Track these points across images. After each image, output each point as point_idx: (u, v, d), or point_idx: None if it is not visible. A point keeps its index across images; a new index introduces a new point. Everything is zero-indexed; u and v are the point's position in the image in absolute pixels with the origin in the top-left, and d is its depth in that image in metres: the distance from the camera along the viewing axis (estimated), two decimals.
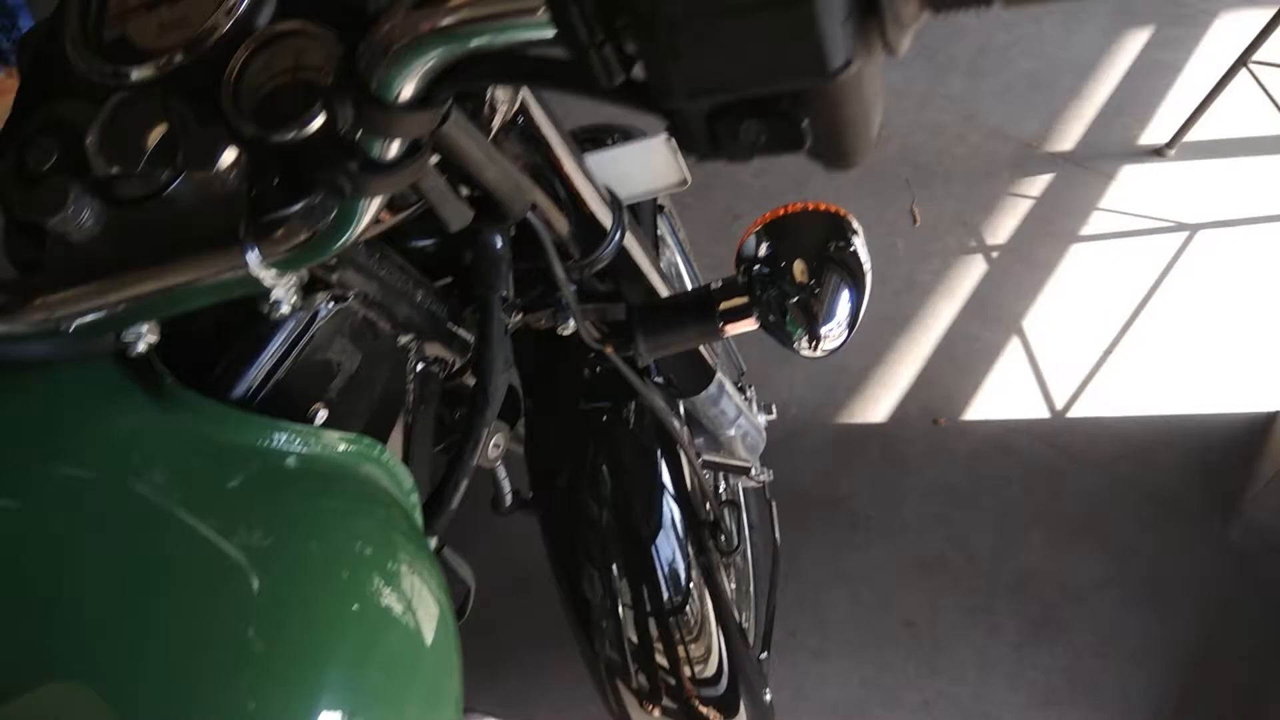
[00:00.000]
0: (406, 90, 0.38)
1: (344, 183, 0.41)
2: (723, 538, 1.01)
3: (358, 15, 0.46)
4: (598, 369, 0.98)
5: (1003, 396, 1.76)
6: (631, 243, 0.75)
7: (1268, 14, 1.77)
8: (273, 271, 0.45)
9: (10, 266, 0.49)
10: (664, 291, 0.82)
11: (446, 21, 0.35)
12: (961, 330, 1.84)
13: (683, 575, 0.99)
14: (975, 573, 1.59)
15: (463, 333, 0.72)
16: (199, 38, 0.49)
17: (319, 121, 0.45)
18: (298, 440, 0.53)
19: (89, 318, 0.47)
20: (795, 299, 0.73)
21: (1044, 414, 1.73)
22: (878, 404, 1.78)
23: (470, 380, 0.74)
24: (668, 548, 0.98)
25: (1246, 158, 2.01)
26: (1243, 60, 1.88)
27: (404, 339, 0.66)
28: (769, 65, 0.28)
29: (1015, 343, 1.82)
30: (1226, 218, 1.91)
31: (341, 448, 0.55)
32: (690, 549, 0.99)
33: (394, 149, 0.41)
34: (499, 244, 0.66)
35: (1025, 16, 2.38)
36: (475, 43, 0.35)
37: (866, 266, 0.74)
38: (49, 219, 0.44)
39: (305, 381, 0.57)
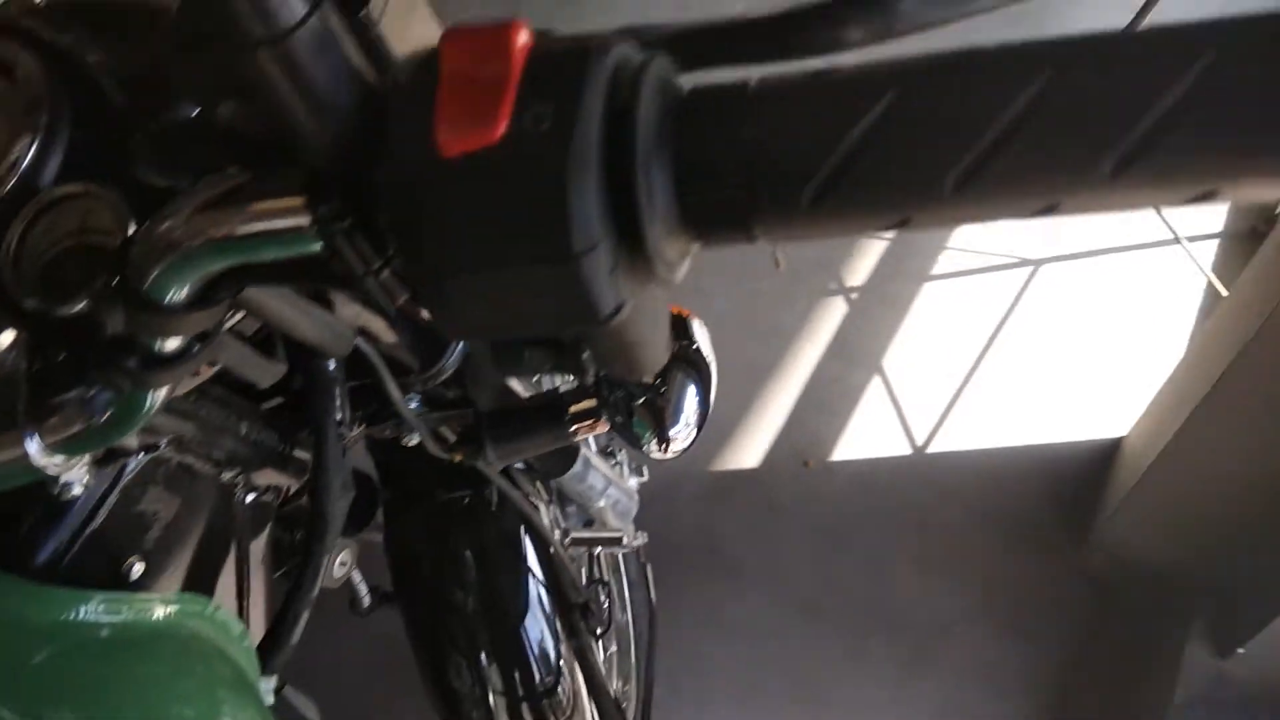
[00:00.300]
0: (181, 294, 0.36)
1: (122, 381, 0.38)
2: (593, 619, 1.00)
3: (133, 157, 0.44)
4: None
5: (867, 435, 1.81)
6: (480, 352, 0.74)
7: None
8: (58, 458, 0.42)
9: None
10: (518, 393, 0.81)
11: (220, 234, 0.33)
12: (825, 371, 1.89)
13: (553, 657, 0.97)
14: (850, 613, 1.62)
15: (299, 453, 0.69)
16: None
17: (109, 287, 0.42)
18: (108, 609, 0.50)
19: None
20: (642, 400, 0.73)
21: (907, 450, 1.79)
22: (749, 450, 1.80)
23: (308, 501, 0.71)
24: (536, 631, 0.97)
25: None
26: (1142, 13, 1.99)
27: (228, 475, 0.63)
28: (539, 315, 0.28)
29: (876, 381, 1.87)
30: (1066, 252, 2.02)
31: (159, 611, 0.52)
32: (560, 631, 0.98)
33: (175, 343, 0.39)
34: (330, 367, 0.64)
35: None
36: (253, 256, 0.34)
37: (711, 364, 0.74)
38: None
39: (117, 538, 0.54)
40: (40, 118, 0.42)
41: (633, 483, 1.33)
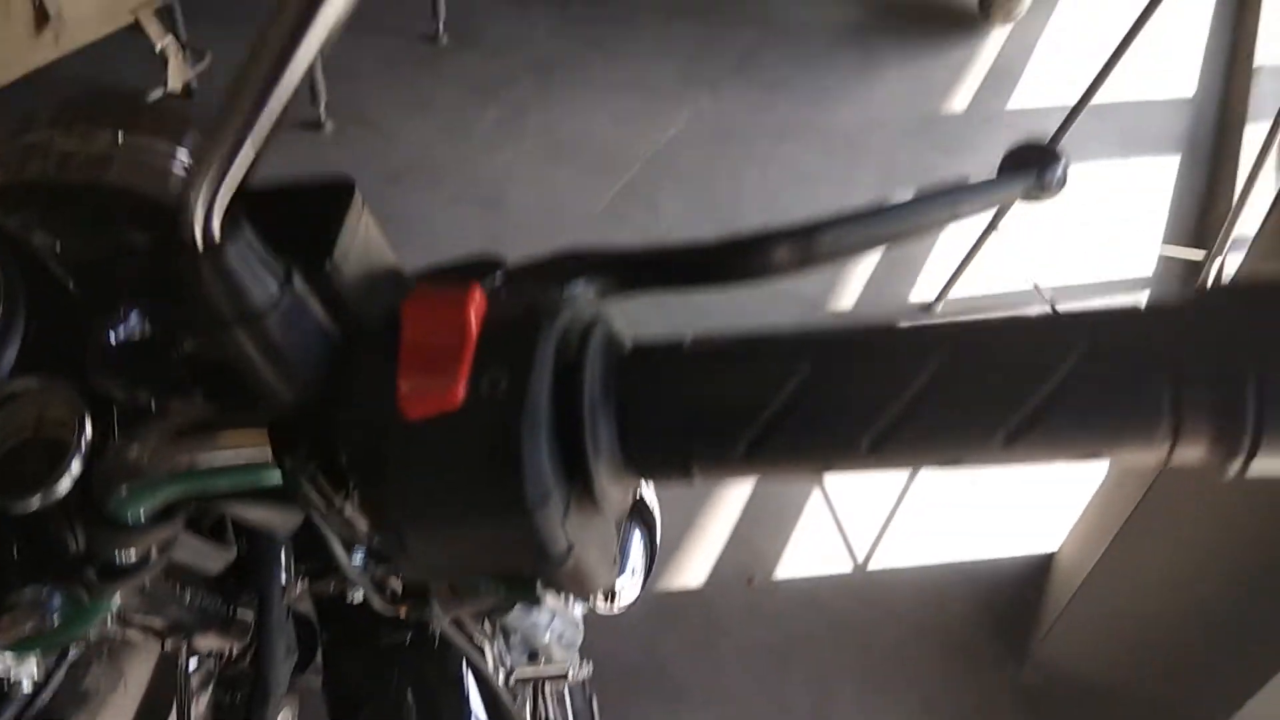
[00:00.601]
0: (143, 513, 0.37)
1: (80, 591, 0.39)
2: None
3: (95, 368, 0.45)
4: None
5: (809, 552, 1.83)
6: None
7: None
8: (7, 655, 0.42)
9: None
10: None
11: (185, 465, 0.35)
12: (767, 487, 1.92)
13: None
14: None
15: (242, 614, 0.69)
16: None
17: (66, 485, 0.43)
18: None
19: None
20: None
21: (848, 568, 1.81)
22: (693, 568, 1.81)
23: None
24: None
25: (1003, 311, 2.22)
26: (993, 225, 2.09)
27: (171, 643, 0.63)
28: (496, 560, 0.30)
29: (818, 497, 1.90)
30: None
31: None
32: None
33: (133, 553, 0.40)
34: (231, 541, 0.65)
35: (797, 178, 2.58)
36: (216, 486, 0.35)
37: (656, 512, 0.76)
38: None
39: (56, 714, 0.53)
40: None
41: (578, 611, 1.33)
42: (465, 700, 0.98)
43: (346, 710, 0.96)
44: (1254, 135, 2.48)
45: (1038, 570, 1.76)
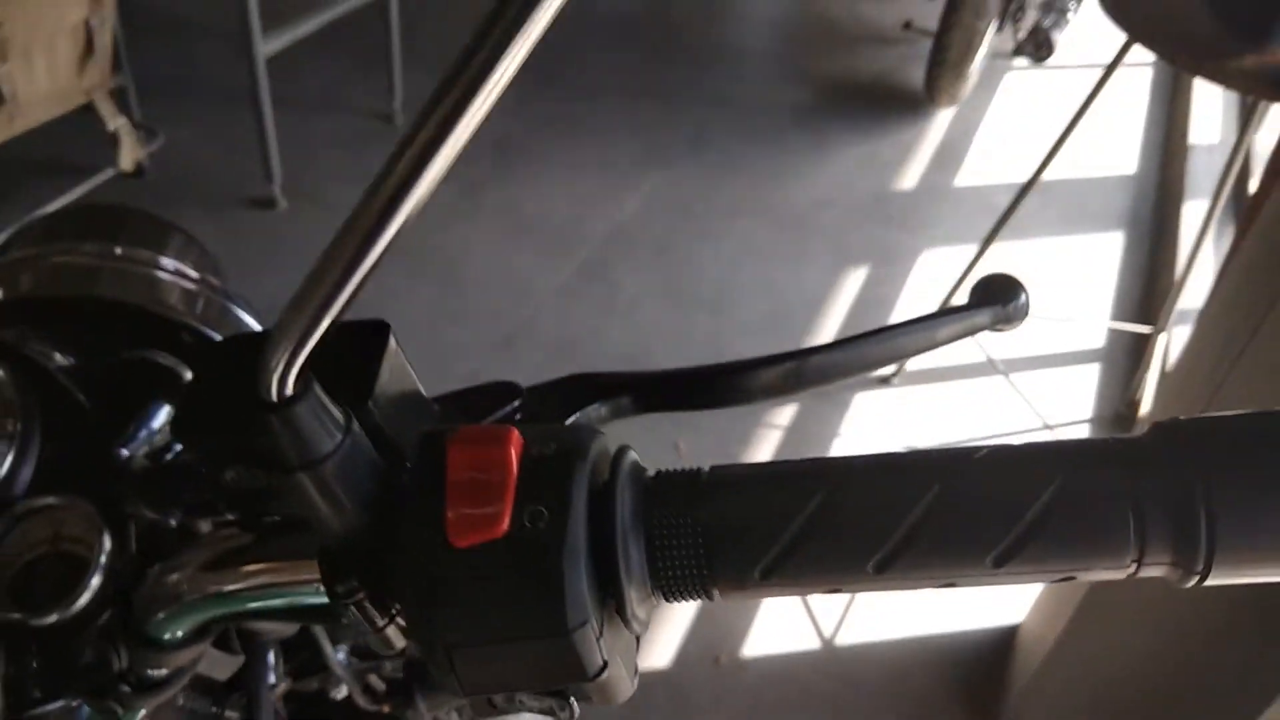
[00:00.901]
0: (179, 632, 0.39)
1: (113, 706, 0.41)
2: None
3: (119, 488, 0.47)
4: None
5: (776, 629, 1.82)
6: None
7: (965, 250, 2.05)
8: None
9: None
10: None
11: (230, 590, 0.37)
12: None
13: None
14: None
15: (230, 714, 0.67)
16: None
17: (85, 599, 0.43)
18: None
19: None
20: None
21: (815, 643, 1.80)
22: (660, 649, 1.78)
23: None
24: None
25: (958, 381, 2.27)
26: (950, 299, 2.14)
27: None
28: (536, 676, 0.32)
29: None
30: (947, 439, 2.13)
31: None
32: None
33: (165, 670, 0.41)
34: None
35: (752, 253, 2.63)
36: (257, 608, 0.38)
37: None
38: None
39: None
40: (11, 426, 0.44)
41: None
42: None
43: None
44: (1191, 210, 2.58)
45: (1003, 642, 1.76)
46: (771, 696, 1.72)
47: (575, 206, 2.77)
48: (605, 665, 0.32)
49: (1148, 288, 2.58)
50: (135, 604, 0.40)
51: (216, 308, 0.66)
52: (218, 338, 0.64)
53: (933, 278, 2.54)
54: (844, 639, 1.80)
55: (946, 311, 0.47)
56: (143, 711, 0.44)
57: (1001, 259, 2.28)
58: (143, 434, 0.50)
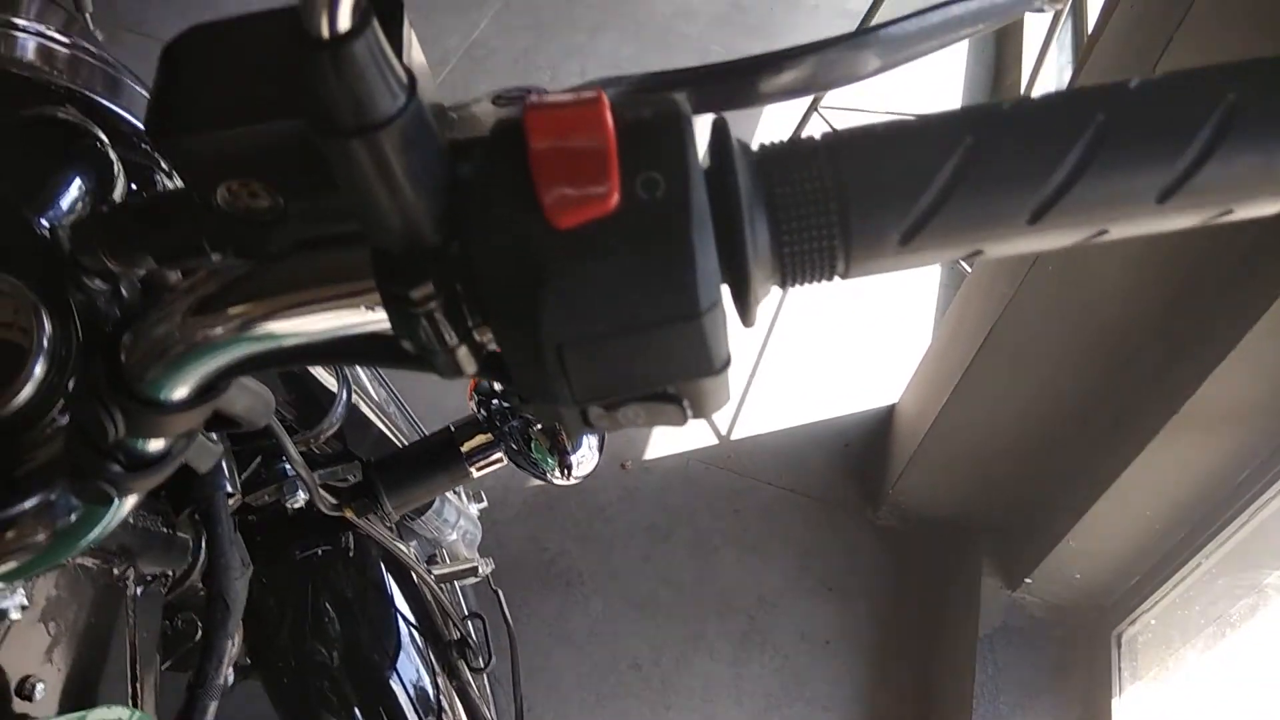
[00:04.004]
0: (182, 390, 0.34)
1: (107, 489, 0.35)
2: (472, 655, 0.99)
3: (51, 260, 0.40)
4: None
5: (676, 432, 1.89)
6: (357, 398, 0.72)
7: None
8: None
9: None
10: (397, 440, 0.79)
11: (249, 326, 0.31)
12: None
13: (431, 699, 0.96)
14: (684, 602, 1.69)
15: (180, 535, 0.65)
16: None
17: (29, 390, 0.38)
18: None
19: None
20: (539, 426, 0.74)
21: (713, 441, 1.88)
22: None
23: (196, 585, 0.67)
24: (411, 674, 0.95)
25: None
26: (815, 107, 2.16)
27: (119, 569, 0.58)
28: (655, 373, 0.29)
29: None
30: None
31: None
32: (439, 674, 0.97)
33: (159, 443, 0.36)
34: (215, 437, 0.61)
35: (616, 70, 2.56)
36: (279, 343, 0.32)
37: None
38: None
39: (16, 658, 0.49)
40: None
41: (474, 509, 1.32)
42: (390, 602, 0.97)
43: (264, 633, 0.93)
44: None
45: (884, 422, 1.89)
46: (677, 494, 1.81)
47: (428, 41, 2.61)
48: (729, 357, 0.29)
49: (995, 84, 2.68)
50: (126, 363, 0.34)
51: (101, 74, 0.59)
52: (112, 105, 0.56)
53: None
54: (740, 434, 1.89)
55: None
56: (132, 499, 0.38)
57: None
58: (63, 201, 0.43)
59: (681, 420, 0.31)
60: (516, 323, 0.27)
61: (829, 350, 2.02)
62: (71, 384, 0.39)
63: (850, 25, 1.99)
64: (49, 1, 0.61)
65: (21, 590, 0.42)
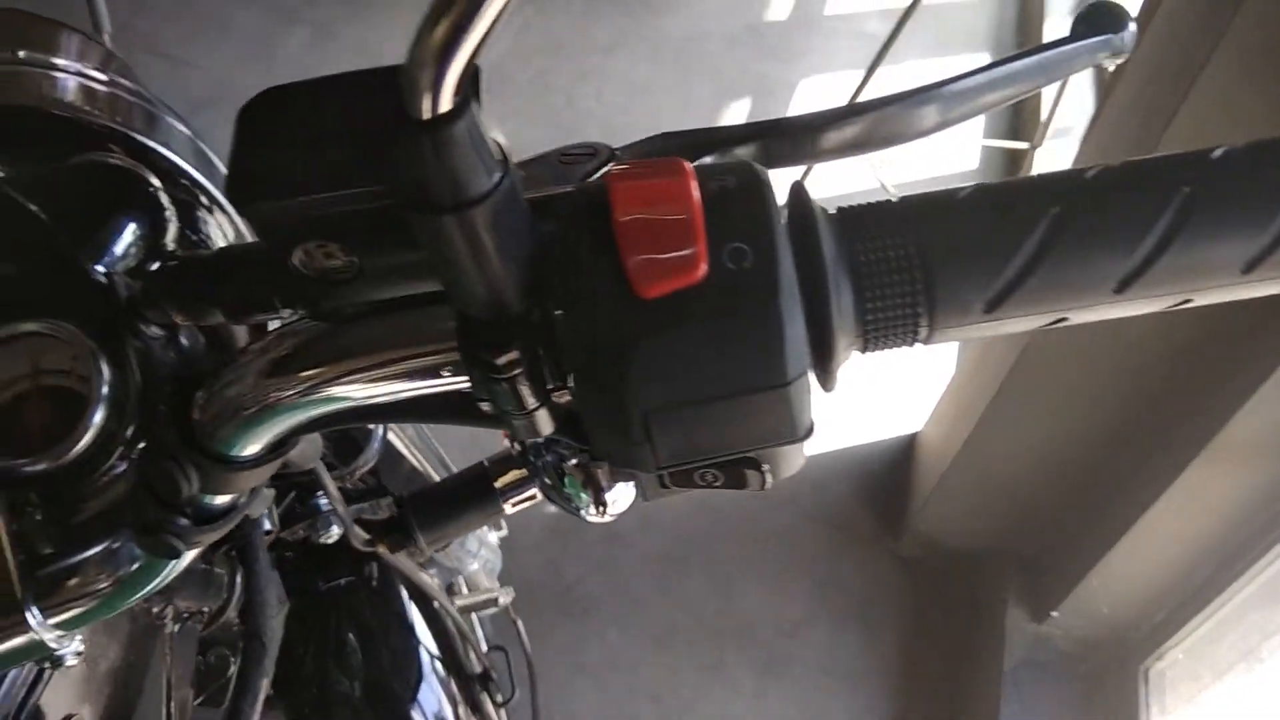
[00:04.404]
0: (254, 447, 0.34)
1: (175, 543, 0.35)
2: (495, 688, 0.98)
3: (109, 307, 0.40)
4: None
5: None
6: (392, 434, 0.71)
7: (842, 77, 2.04)
8: (56, 632, 0.38)
9: None
10: (429, 473, 0.78)
11: (326, 386, 0.31)
12: None
13: None
14: (703, 632, 1.67)
15: (218, 569, 0.64)
16: None
17: (89, 438, 0.38)
18: None
19: None
20: (574, 462, 0.72)
21: None
22: None
23: (231, 620, 0.66)
24: (433, 706, 0.94)
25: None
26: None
27: (157, 607, 0.58)
28: (740, 439, 0.29)
29: None
30: None
31: None
32: (461, 705, 0.96)
33: (225, 498, 0.36)
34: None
35: (642, 95, 2.56)
36: (354, 402, 0.32)
37: None
38: None
39: (63, 696, 0.48)
40: None
41: (494, 538, 1.31)
42: (412, 632, 0.96)
43: (287, 666, 0.92)
44: (1051, 29, 2.65)
45: (905, 451, 1.88)
46: (695, 521, 1.79)
47: None
48: (813, 423, 0.29)
49: (1016, 108, 2.67)
50: (198, 420, 0.34)
51: (140, 110, 0.59)
52: (152, 144, 0.56)
53: (814, 108, 2.54)
54: None
55: (1052, 45, 0.40)
56: (195, 551, 0.39)
57: (882, 85, 2.29)
58: (117, 247, 0.43)
59: (760, 485, 0.31)
60: (604, 391, 0.27)
61: (851, 377, 2.00)
62: (130, 431, 0.38)
63: (869, 47, 1.99)
64: (85, 39, 0.60)
65: (80, 637, 0.41)
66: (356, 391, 0.32)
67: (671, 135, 0.36)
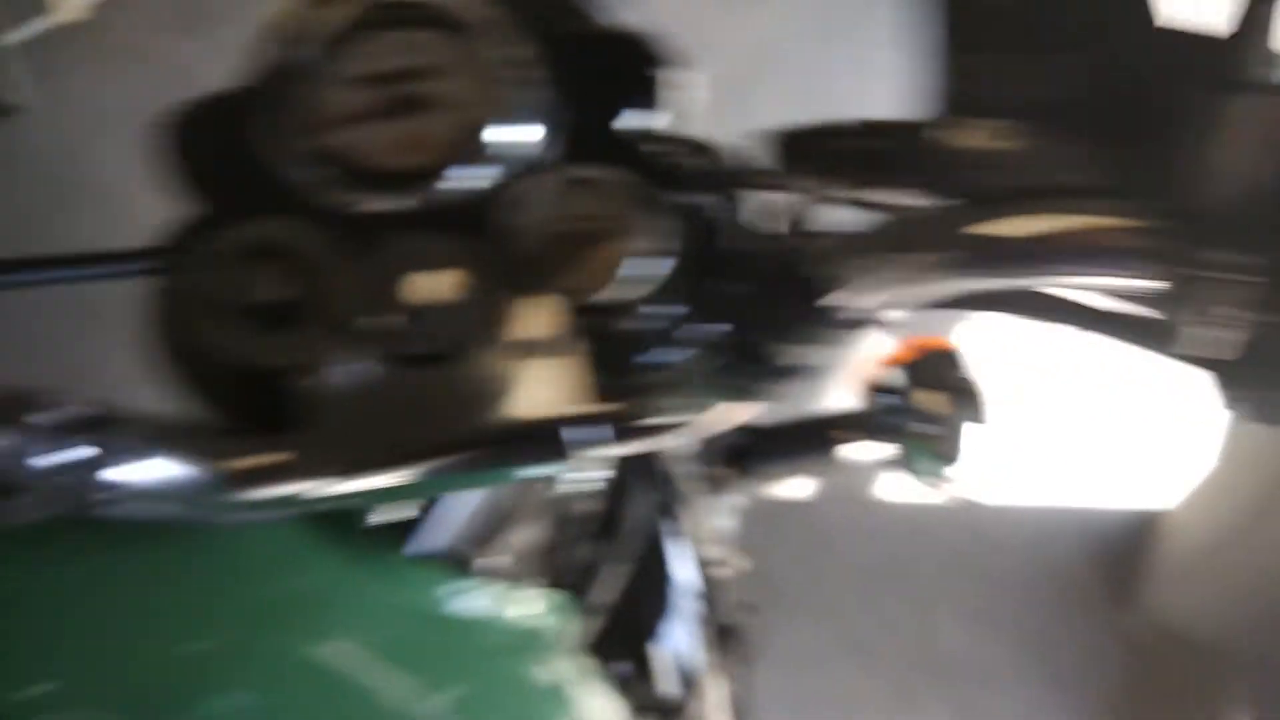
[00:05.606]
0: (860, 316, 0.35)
1: (738, 381, 0.36)
2: (742, 646, 0.98)
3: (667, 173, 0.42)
4: None
5: (916, 482, 1.82)
6: None
7: None
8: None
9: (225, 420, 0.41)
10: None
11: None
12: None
13: (694, 676, 0.95)
14: (899, 655, 1.63)
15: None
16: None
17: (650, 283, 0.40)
18: (491, 599, 0.50)
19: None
20: (933, 431, 0.72)
21: (956, 496, 1.80)
22: (799, 487, 1.79)
23: None
24: (679, 641, 0.94)
25: None
26: None
27: None
28: None
29: None
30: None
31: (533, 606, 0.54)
32: (704, 651, 0.96)
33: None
34: None
35: None
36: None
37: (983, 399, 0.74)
38: (306, 376, 0.37)
39: (489, 529, 0.52)
40: (531, 78, 0.40)
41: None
42: (664, 561, 0.97)
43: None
44: None
45: (1148, 526, 1.76)
46: (909, 542, 1.75)
47: None
48: None
49: None
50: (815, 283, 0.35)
51: None
52: None
53: None
54: (986, 495, 1.80)
55: None
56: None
57: None
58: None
59: None
60: None
61: (1100, 439, 1.89)
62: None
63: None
64: None
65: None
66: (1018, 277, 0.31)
67: None
